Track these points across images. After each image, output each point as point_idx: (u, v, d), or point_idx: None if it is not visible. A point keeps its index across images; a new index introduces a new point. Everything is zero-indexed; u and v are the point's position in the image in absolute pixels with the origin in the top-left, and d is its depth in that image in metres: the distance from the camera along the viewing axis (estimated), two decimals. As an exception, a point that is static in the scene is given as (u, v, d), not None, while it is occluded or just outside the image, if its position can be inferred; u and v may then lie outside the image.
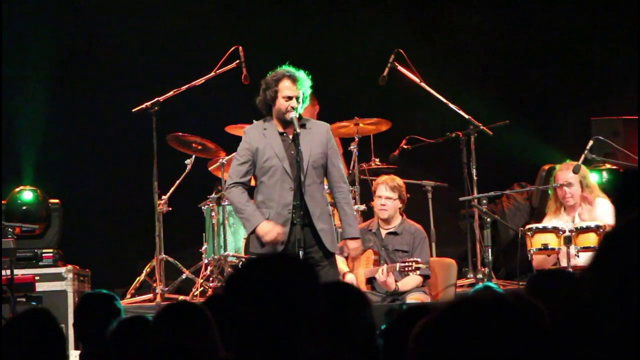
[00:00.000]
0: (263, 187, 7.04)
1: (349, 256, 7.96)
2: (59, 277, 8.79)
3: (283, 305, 2.45)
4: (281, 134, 7.05)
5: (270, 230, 6.85)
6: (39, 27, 11.19)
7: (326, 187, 7.26)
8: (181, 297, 9.45)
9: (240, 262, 9.27)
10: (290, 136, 7.00)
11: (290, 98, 6.93)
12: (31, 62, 11.27)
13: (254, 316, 2.43)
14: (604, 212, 8.35)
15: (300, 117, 7.02)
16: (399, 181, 8.38)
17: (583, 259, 7.93)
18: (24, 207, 9.37)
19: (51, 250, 9.03)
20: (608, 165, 9.51)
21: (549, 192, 8.78)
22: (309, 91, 7.02)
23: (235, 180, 7.07)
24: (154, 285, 9.27)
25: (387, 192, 8.25)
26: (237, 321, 2.45)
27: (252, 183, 7.29)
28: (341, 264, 8.05)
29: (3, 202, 9.35)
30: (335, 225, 7.30)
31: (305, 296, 2.48)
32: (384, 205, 8.25)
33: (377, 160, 9.88)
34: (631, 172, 9.28)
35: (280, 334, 2.43)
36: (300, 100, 6.96)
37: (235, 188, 7.05)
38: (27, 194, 9.44)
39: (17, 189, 9.51)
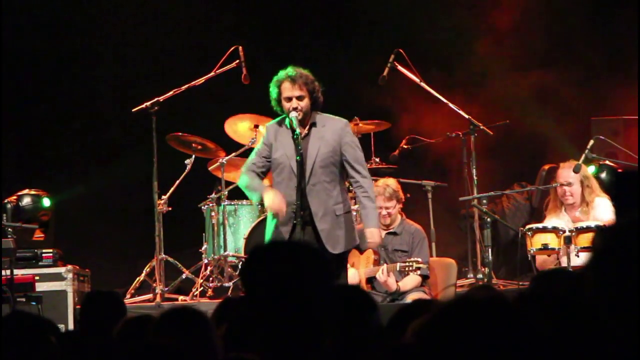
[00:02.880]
0: (273, 184, 7.07)
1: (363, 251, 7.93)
2: (58, 277, 8.78)
3: (299, 294, 2.46)
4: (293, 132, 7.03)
5: (273, 198, 6.83)
6: (38, 26, 11.19)
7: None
8: (181, 297, 9.46)
9: (241, 262, 9.27)
10: (302, 135, 6.96)
11: (290, 99, 6.92)
12: (31, 61, 11.27)
13: (273, 305, 2.44)
14: (604, 212, 8.33)
15: (310, 115, 6.99)
16: (392, 185, 8.24)
17: (583, 259, 7.92)
18: (42, 213, 9.40)
19: (51, 250, 9.02)
20: (608, 162, 9.48)
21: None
22: (318, 87, 6.99)
23: (247, 168, 7.06)
24: (154, 285, 9.26)
25: (386, 203, 8.19)
26: (256, 312, 2.45)
27: (267, 182, 7.29)
28: None
29: (11, 199, 9.31)
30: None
31: (319, 285, 2.50)
32: (384, 215, 8.20)
33: (378, 159, 9.87)
34: (629, 172, 9.27)
35: (299, 325, 2.44)
36: (307, 97, 6.93)
37: (243, 175, 7.06)
38: (46, 201, 9.44)
39: (31, 192, 9.46)
